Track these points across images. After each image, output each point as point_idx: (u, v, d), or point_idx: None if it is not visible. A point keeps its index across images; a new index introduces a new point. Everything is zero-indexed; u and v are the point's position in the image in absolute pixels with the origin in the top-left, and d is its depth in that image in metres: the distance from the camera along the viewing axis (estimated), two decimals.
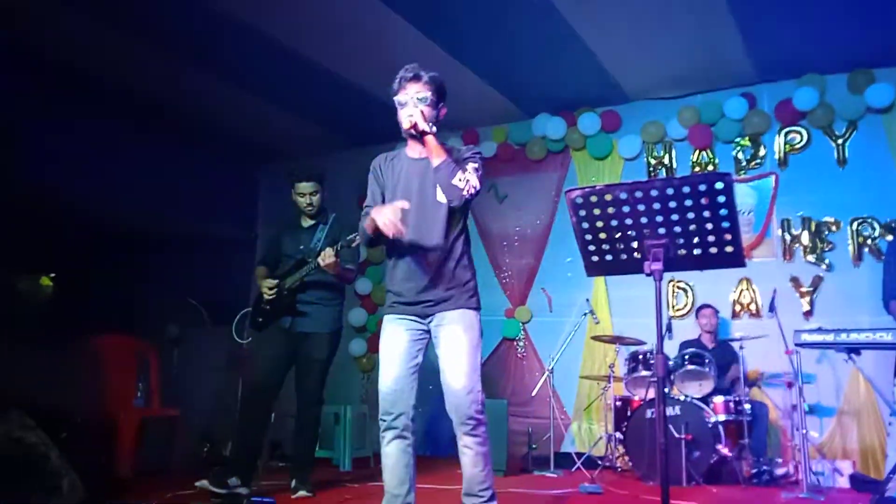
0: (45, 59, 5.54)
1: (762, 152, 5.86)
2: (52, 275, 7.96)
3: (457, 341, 2.60)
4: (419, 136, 2.62)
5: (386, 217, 2.50)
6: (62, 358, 5.33)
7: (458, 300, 2.65)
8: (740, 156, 5.94)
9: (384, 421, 2.62)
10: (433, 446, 6.24)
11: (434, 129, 2.63)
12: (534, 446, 5.48)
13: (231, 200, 7.60)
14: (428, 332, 2.69)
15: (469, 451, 2.59)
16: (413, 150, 2.75)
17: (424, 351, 2.72)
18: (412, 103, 2.63)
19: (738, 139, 5.94)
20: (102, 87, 5.96)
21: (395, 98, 2.68)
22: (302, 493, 3.94)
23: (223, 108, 6.51)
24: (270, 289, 4.08)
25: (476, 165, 2.64)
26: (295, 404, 4.14)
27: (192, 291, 5.92)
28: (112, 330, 5.07)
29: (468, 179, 2.57)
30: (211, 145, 7.16)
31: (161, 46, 5.38)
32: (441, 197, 2.65)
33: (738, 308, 5.74)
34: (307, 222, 4.24)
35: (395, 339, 2.67)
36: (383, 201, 2.76)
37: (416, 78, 2.65)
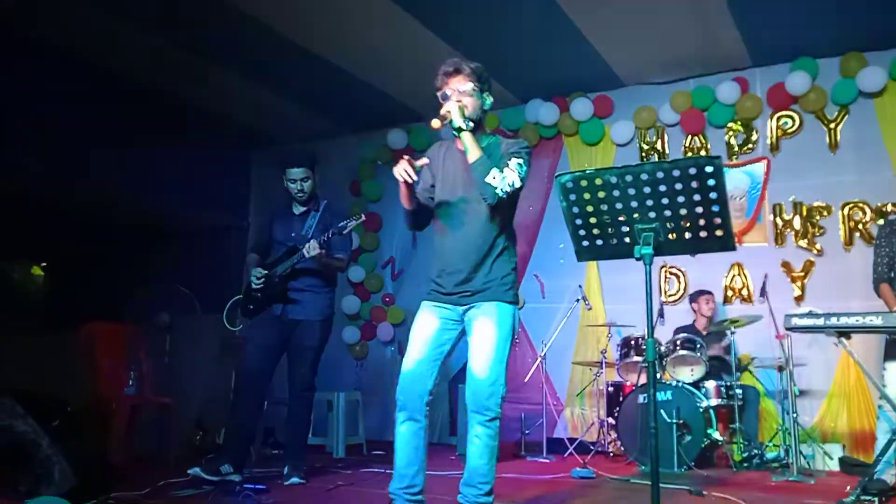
0: (32, 43, 5.47)
1: (754, 137, 5.85)
2: (44, 264, 7.92)
3: (487, 332, 2.61)
4: (457, 132, 2.61)
5: (399, 168, 2.53)
6: (54, 346, 5.31)
7: (495, 292, 2.65)
8: (732, 140, 5.93)
9: (399, 400, 2.64)
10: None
11: (471, 124, 2.62)
12: (526, 432, 5.51)
13: (223, 187, 7.54)
14: (462, 322, 2.70)
15: (479, 441, 2.60)
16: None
17: (454, 342, 2.73)
18: (455, 96, 2.64)
19: (730, 124, 5.93)
20: (92, 72, 5.90)
21: (439, 93, 2.70)
22: (295, 479, 3.94)
23: (215, 95, 6.47)
24: (259, 278, 4.07)
25: (520, 161, 2.62)
26: (287, 391, 4.13)
27: (183, 279, 5.89)
28: (103, 317, 5.03)
29: (505, 177, 2.55)
30: (203, 132, 7.10)
31: (152, 30, 5.33)
32: None
33: (729, 293, 5.76)
34: (299, 209, 4.22)
35: (426, 323, 2.69)
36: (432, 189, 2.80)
37: (457, 71, 2.68)
